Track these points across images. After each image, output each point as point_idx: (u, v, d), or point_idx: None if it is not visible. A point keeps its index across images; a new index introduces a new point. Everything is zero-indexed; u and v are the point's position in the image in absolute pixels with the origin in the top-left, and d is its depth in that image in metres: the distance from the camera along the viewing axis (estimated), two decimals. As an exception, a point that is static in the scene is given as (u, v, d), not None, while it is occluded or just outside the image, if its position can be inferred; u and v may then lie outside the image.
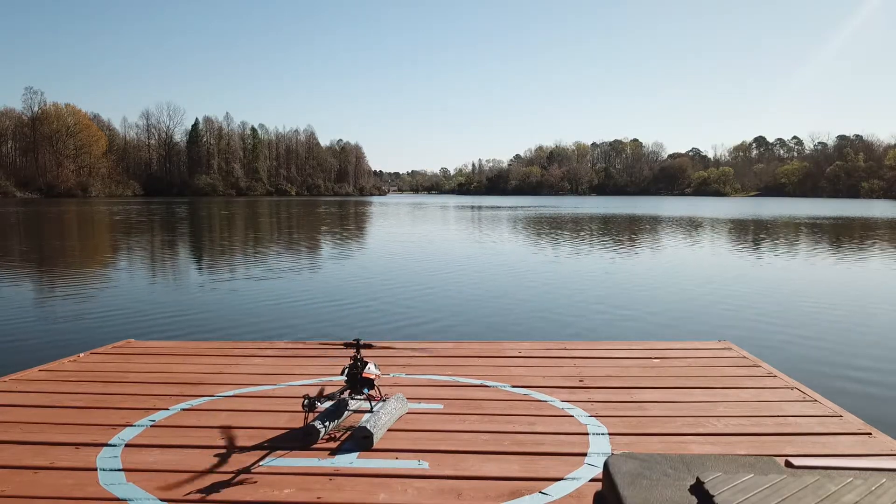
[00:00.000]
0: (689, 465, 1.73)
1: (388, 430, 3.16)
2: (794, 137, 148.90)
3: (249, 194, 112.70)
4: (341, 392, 3.27)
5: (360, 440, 2.96)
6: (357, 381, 3.28)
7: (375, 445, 2.97)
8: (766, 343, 6.90)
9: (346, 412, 3.29)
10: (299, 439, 3.04)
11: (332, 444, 3.00)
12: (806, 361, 6.29)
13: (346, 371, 3.30)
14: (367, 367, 3.30)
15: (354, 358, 3.30)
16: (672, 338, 6.63)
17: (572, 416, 3.38)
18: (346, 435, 3.09)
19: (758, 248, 19.49)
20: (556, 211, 50.48)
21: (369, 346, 3.45)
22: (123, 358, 4.74)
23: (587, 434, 3.13)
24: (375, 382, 3.33)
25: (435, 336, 7.25)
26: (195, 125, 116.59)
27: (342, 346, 3.41)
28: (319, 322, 8.21)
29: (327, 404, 3.30)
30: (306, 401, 2.99)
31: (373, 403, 3.33)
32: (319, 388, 3.69)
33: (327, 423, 3.09)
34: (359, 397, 3.34)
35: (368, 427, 2.97)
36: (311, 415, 3.11)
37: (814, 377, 5.29)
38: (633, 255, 16.96)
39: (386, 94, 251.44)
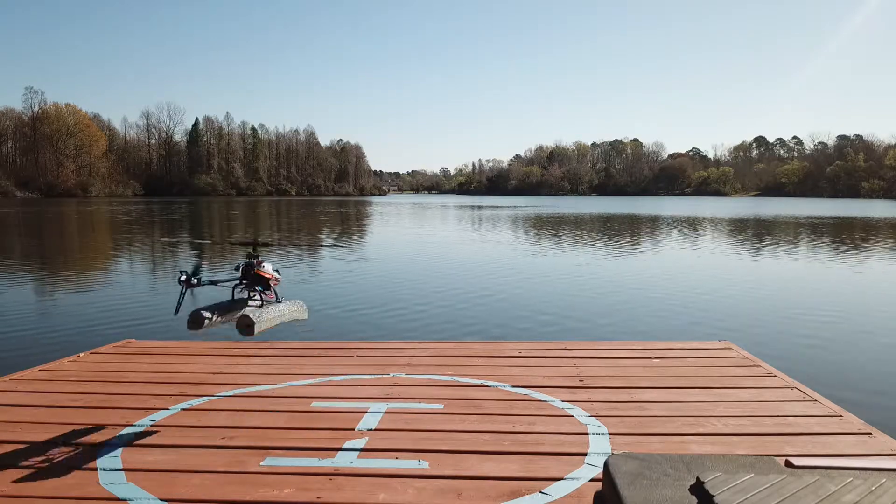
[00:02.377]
0: (689, 465, 1.73)
1: (389, 430, 3.16)
2: (794, 137, 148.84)
3: (249, 194, 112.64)
4: (234, 287, 3.20)
5: (243, 328, 2.92)
6: (250, 277, 3.21)
7: (373, 445, 2.98)
8: (766, 343, 6.90)
9: (237, 309, 3.21)
10: (186, 322, 2.94)
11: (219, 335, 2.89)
12: (806, 361, 6.29)
13: (241, 267, 3.25)
14: (262, 266, 3.24)
15: (249, 255, 3.24)
16: (672, 338, 6.63)
17: (572, 416, 3.38)
18: (228, 323, 3.04)
19: (758, 248, 19.49)
20: (556, 211, 50.48)
21: (267, 245, 3.38)
22: (123, 358, 4.74)
23: (587, 434, 3.13)
24: (272, 284, 3.27)
25: (435, 336, 7.24)
26: (195, 125, 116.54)
27: (245, 253, 3.32)
28: (319, 322, 8.21)
29: (207, 284, 3.17)
30: (183, 276, 2.90)
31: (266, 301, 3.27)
32: (197, 263, 3.51)
33: (215, 314, 3.02)
34: (255, 299, 3.25)
35: (252, 316, 2.91)
36: (187, 292, 3.01)
37: (814, 377, 5.27)
38: (633, 255, 16.95)
39: (386, 94, 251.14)
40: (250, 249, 3.26)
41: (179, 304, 3.00)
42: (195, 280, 2.93)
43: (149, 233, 26.29)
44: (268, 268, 3.24)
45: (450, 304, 9.44)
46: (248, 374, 4.24)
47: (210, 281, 3.10)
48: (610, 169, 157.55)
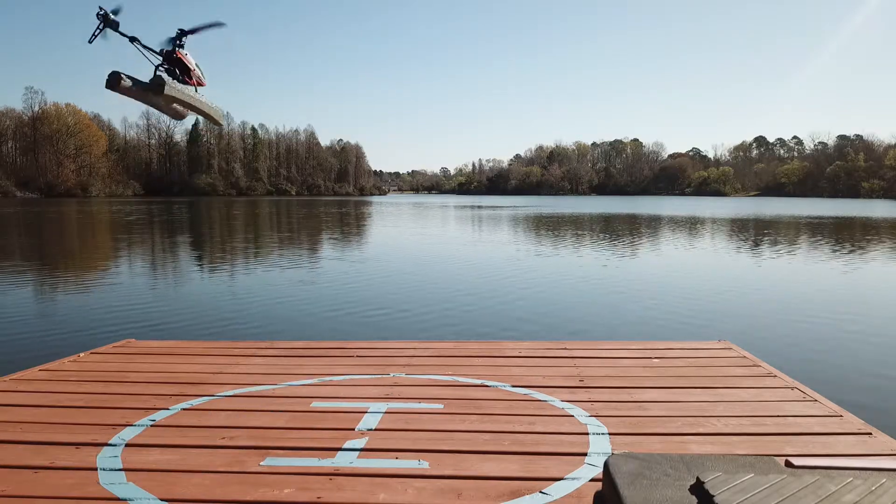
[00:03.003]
0: (689, 465, 1.73)
1: (389, 430, 3.16)
2: (795, 137, 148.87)
3: (250, 194, 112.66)
4: (156, 68, 3.29)
5: (154, 87, 3.02)
6: (172, 61, 3.30)
7: (373, 445, 2.98)
8: (766, 343, 6.90)
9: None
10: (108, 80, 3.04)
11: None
12: (806, 361, 6.29)
13: (163, 51, 3.34)
14: (186, 54, 3.34)
15: (174, 42, 3.34)
16: (672, 338, 6.63)
17: (572, 416, 3.38)
18: (143, 91, 3.13)
19: (758, 247, 19.49)
20: (556, 211, 50.48)
21: (194, 31, 3.46)
22: (123, 358, 4.74)
23: (587, 434, 3.13)
24: (194, 75, 3.38)
25: (435, 336, 7.25)
26: (195, 125, 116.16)
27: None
28: (320, 322, 8.21)
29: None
30: (101, 11, 2.93)
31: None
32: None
33: (133, 81, 3.12)
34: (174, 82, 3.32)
35: (165, 78, 3.03)
36: (105, 30, 3.06)
37: (814, 377, 5.27)
38: (633, 255, 16.96)
39: (386, 94, 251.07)
40: (176, 38, 3.34)
41: (94, 35, 3.09)
42: (113, 18, 2.95)
43: (149, 233, 26.30)
44: (190, 57, 3.35)
45: (450, 304, 9.44)
46: (248, 374, 4.24)
47: (131, 37, 3.17)
48: (610, 169, 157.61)
